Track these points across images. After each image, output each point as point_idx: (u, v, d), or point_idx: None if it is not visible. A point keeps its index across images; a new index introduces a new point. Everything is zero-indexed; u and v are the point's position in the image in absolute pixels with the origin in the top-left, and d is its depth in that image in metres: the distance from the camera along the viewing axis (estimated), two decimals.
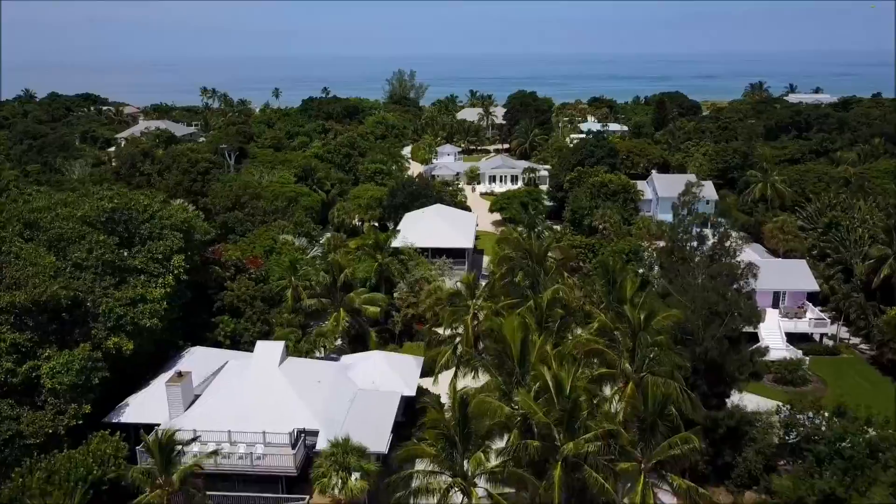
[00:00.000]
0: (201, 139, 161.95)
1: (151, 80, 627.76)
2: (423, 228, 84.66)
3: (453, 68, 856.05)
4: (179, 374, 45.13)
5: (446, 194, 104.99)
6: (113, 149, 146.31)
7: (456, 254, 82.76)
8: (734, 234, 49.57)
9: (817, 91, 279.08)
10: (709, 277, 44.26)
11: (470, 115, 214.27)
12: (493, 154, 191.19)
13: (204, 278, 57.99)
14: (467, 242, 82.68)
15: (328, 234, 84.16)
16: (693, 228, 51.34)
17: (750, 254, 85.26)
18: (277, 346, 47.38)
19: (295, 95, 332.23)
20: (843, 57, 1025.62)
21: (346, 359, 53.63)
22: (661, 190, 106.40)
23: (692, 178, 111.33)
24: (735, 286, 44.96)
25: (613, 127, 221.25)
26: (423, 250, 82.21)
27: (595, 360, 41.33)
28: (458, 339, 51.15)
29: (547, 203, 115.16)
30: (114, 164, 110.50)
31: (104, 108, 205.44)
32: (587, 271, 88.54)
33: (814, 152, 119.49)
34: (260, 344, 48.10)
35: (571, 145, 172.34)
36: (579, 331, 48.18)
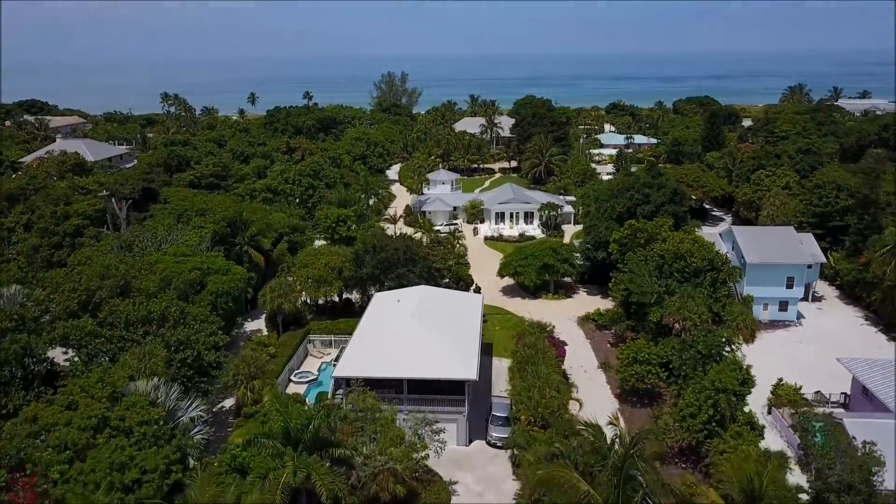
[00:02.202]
0: (131, 164, 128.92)
1: (137, 82, 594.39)
2: (395, 342, 51.65)
3: (450, 69, 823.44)
4: None
5: (437, 259, 71.74)
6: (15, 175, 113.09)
7: (450, 388, 49.80)
8: None
9: (865, 95, 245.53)
10: None
11: (470, 125, 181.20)
12: (497, 174, 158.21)
13: None
14: (468, 370, 49.53)
15: (239, 355, 50.98)
16: None
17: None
18: None
19: (278, 100, 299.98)
20: (847, 56, 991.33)
21: None
22: (748, 252, 73.23)
23: (790, 231, 78.35)
24: None
25: (639, 139, 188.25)
26: (395, 383, 49.55)
27: None
28: None
29: (579, 261, 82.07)
30: None
31: (31, 118, 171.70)
32: (665, 397, 55.89)
33: None
34: None
35: (595, 168, 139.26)
36: None
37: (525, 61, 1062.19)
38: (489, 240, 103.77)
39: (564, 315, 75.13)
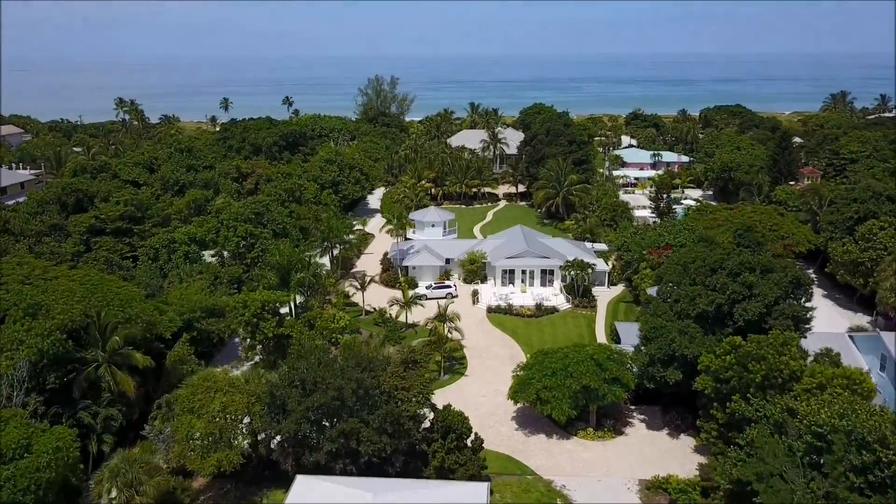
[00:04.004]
0: (21, 199, 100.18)
1: (123, 83, 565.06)
2: None
3: (448, 70, 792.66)
4: None
5: (410, 398, 43.19)
6: None
7: None
8: None
9: None
10: None
11: (470, 139, 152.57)
12: (502, 202, 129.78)
13: None
14: None
15: None
16: None
17: None
18: None
19: (259, 103, 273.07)
20: (853, 59, 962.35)
21: None
22: None
23: None
24: None
25: (668, 156, 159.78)
26: None
27: None
28: None
29: (634, 369, 53.08)
30: None
31: None
32: None
33: None
34: None
35: (627, 202, 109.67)
36: None
37: (512, 63, 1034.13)
38: (494, 312, 75.26)
39: (617, 472, 47.19)
